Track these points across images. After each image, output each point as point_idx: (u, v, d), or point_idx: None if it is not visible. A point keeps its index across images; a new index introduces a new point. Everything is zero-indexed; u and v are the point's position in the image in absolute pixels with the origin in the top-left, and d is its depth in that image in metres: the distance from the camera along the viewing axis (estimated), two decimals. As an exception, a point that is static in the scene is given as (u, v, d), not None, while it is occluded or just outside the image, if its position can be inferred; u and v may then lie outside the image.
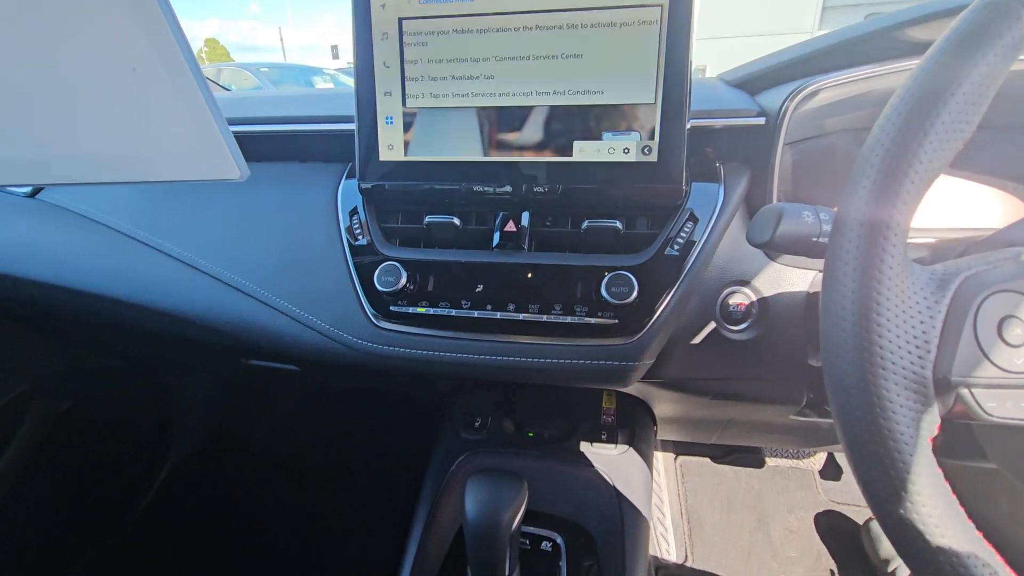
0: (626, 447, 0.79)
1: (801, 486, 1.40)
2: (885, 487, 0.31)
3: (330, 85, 7.86)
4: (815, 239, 0.42)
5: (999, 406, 0.32)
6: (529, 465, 0.77)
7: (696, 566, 1.27)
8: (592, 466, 0.76)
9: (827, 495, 1.38)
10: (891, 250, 0.31)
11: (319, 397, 1.68)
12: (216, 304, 0.67)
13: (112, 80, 0.32)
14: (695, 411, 0.84)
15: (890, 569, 1.14)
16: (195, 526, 1.36)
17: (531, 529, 0.72)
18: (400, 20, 0.58)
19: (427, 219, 0.63)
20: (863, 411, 0.31)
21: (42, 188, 0.80)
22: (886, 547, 1.14)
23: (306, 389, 1.65)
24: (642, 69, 0.55)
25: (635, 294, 0.55)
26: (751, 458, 1.42)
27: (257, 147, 0.74)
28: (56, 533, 1.08)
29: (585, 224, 0.60)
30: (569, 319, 0.58)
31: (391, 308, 0.61)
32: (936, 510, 0.30)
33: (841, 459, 1.43)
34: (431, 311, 0.60)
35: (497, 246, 0.62)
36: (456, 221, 0.63)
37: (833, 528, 1.31)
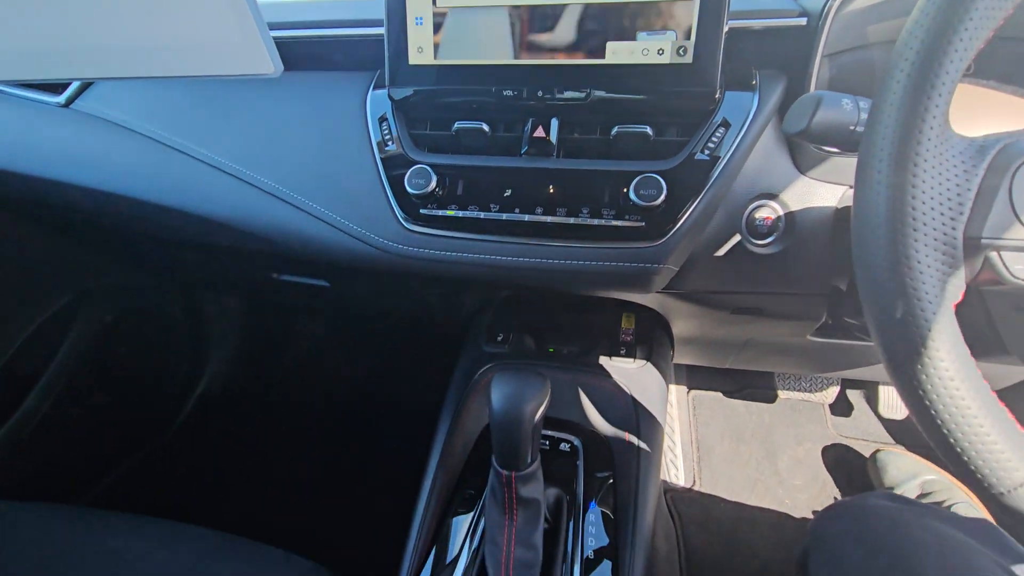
0: (644, 362, 0.81)
1: (811, 420, 1.44)
2: (905, 346, 0.32)
3: None
4: (853, 127, 0.42)
5: None
6: (550, 375, 0.80)
7: (703, 491, 1.33)
8: (610, 377, 0.79)
9: (836, 430, 1.41)
10: (933, 111, 0.31)
11: (345, 328, 1.74)
12: (250, 209, 0.69)
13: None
14: (713, 330, 0.86)
15: (893, 497, 1.18)
16: (227, 441, 1.45)
17: (550, 432, 0.76)
18: (432, -89, 0.57)
19: (456, 125, 0.63)
20: (890, 271, 0.32)
21: (76, 98, 0.81)
22: (891, 476, 1.18)
23: (332, 319, 1.71)
24: (681, -40, 0.53)
25: (663, 197, 0.56)
26: (763, 392, 1.45)
27: (285, 54, 0.73)
28: (98, 441, 1.17)
29: (615, 130, 0.59)
30: (596, 222, 0.58)
31: (421, 211, 0.63)
32: (953, 369, 0.31)
33: (853, 395, 1.45)
34: (460, 214, 0.62)
35: (525, 153, 0.62)
36: (485, 127, 0.63)
37: (840, 460, 1.35)
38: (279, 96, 0.72)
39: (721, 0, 0.54)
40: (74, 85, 0.78)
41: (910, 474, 1.16)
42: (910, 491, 1.13)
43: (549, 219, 0.60)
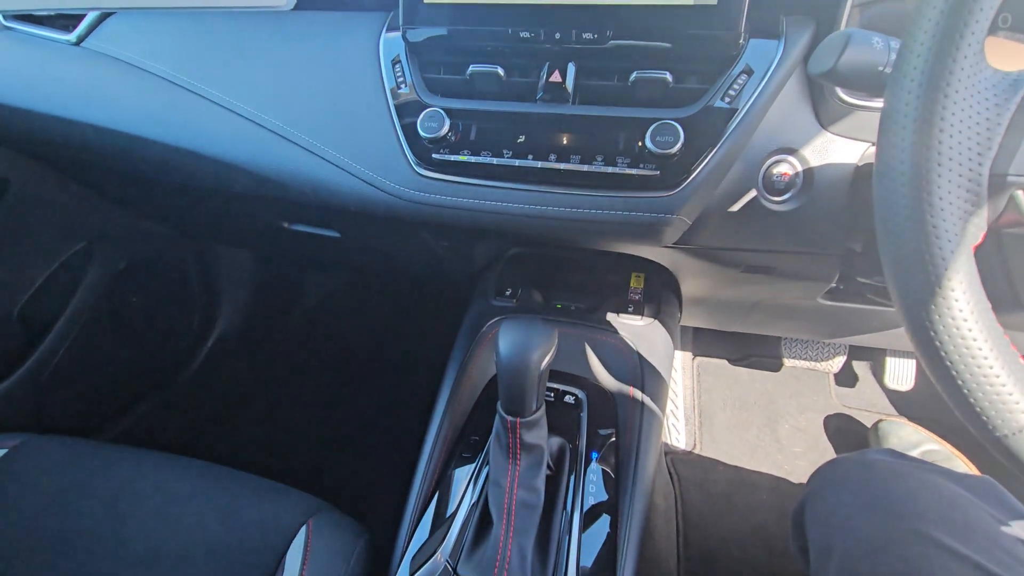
0: (652, 320, 0.81)
1: (814, 390, 1.44)
2: (919, 285, 0.32)
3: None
4: (882, 68, 0.41)
5: None
6: (557, 330, 0.81)
7: (703, 454, 1.35)
8: (617, 334, 0.80)
9: (840, 400, 1.42)
10: (969, 38, 0.30)
11: (355, 282, 1.76)
12: (262, 151, 0.68)
13: None
14: (723, 290, 0.86)
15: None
16: (239, 387, 1.48)
17: (556, 385, 0.76)
18: None
19: (470, 69, 0.62)
20: (910, 207, 0.31)
21: (86, 36, 0.80)
22: (892, 445, 1.19)
23: (343, 272, 1.72)
24: None
25: (680, 144, 0.55)
26: (768, 361, 1.46)
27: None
28: (114, 385, 1.20)
29: (633, 76, 0.58)
30: (610, 169, 0.58)
31: (433, 156, 0.62)
32: (968, 308, 0.31)
33: (859, 366, 1.45)
34: (472, 159, 0.61)
35: (541, 98, 0.61)
36: (500, 71, 0.61)
37: (841, 429, 1.36)
38: (290, 36, 0.71)
39: (750, -62, 0.51)
40: (84, 23, 0.77)
41: (911, 444, 1.16)
42: (910, 460, 1.14)
43: (562, 166, 0.59)
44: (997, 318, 0.33)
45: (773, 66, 0.57)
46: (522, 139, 0.61)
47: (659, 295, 0.86)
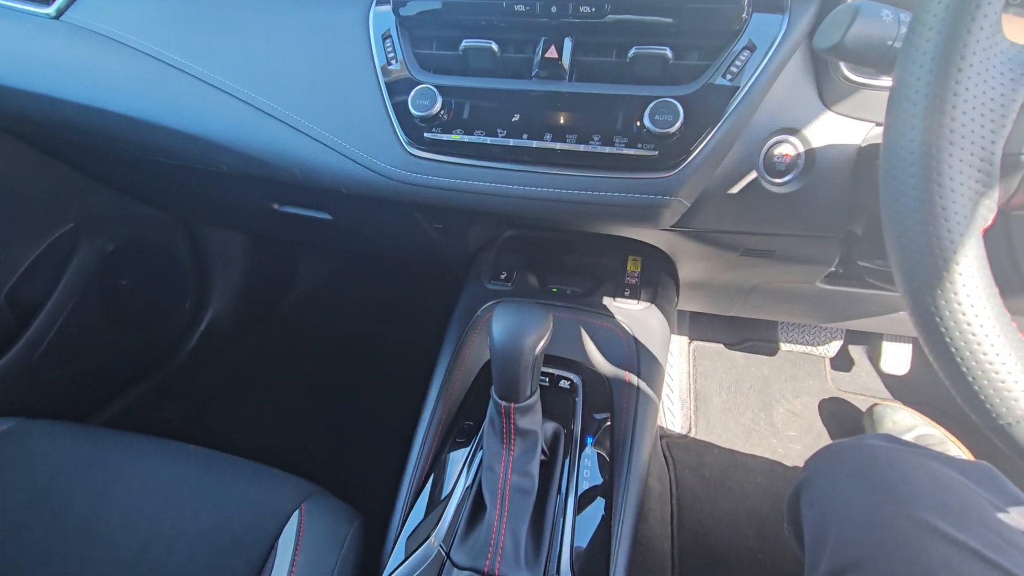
0: (648, 304, 0.80)
1: (810, 374, 1.44)
2: (925, 268, 0.31)
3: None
4: (891, 43, 0.39)
5: None
6: (552, 314, 0.79)
7: (698, 438, 1.36)
8: (613, 318, 0.79)
9: (835, 384, 1.42)
10: (986, 8, 0.28)
11: (349, 265, 1.74)
12: (247, 129, 0.66)
13: None
14: (721, 274, 0.84)
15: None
16: (233, 371, 1.48)
17: (551, 369, 0.76)
18: None
19: (464, 44, 0.60)
20: (919, 188, 0.30)
21: (66, 9, 0.77)
22: (886, 429, 1.19)
23: (336, 255, 1.70)
24: None
25: (679, 123, 0.53)
26: (764, 345, 1.45)
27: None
28: (105, 368, 1.19)
29: (632, 52, 0.56)
30: (607, 149, 0.56)
31: (425, 135, 0.60)
32: (975, 293, 0.30)
33: (855, 350, 1.45)
34: (465, 138, 0.59)
35: (536, 75, 0.59)
36: (494, 47, 0.59)
37: (836, 413, 1.37)
38: (277, 10, 0.68)
39: (755, -95, 0.49)
40: (63, -6, 0.74)
41: (905, 428, 1.17)
42: (904, 444, 1.14)
43: (558, 146, 0.57)
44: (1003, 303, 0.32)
45: (777, 42, 0.55)
46: (517, 118, 0.59)
47: (656, 279, 0.84)
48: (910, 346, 1.32)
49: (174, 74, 0.69)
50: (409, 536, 0.65)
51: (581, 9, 0.55)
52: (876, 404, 1.26)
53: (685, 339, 1.53)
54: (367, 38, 0.64)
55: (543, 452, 0.66)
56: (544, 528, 0.62)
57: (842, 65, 0.57)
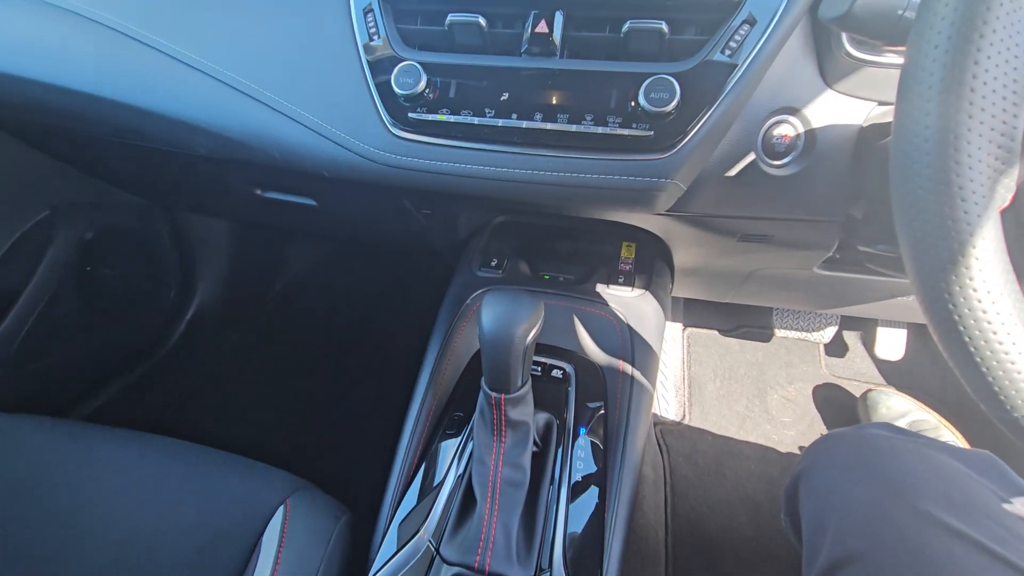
0: (643, 291, 0.78)
1: (804, 360, 1.44)
2: (939, 251, 0.29)
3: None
4: (901, 12, 0.37)
5: None
6: (544, 302, 0.77)
7: (692, 425, 1.35)
8: (607, 305, 0.77)
9: (829, 370, 1.41)
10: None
11: (337, 253, 1.71)
12: (222, 110, 0.63)
13: None
14: (717, 259, 0.82)
15: (880, 434, 1.19)
16: (219, 362, 1.45)
17: (543, 359, 0.74)
18: None
19: (449, 18, 0.56)
20: (934, 165, 0.28)
21: (30, -17, 0.73)
22: (880, 415, 1.19)
23: (324, 243, 1.67)
24: None
25: (676, 102, 0.51)
26: (759, 332, 1.44)
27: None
28: (87, 360, 1.15)
29: (626, 26, 0.53)
30: (600, 130, 0.53)
31: (409, 115, 0.57)
32: (992, 279, 0.28)
33: (849, 336, 1.45)
34: (452, 118, 0.56)
35: (526, 52, 0.56)
36: (481, 21, 0.56)
37: (830, 399, 1.36)
38: (252, -18, 0.65)
39: None
40: (25, -33, 0.70)
41: (899, 413, 1.16)
42: (898, 429, 1.14)
43: (549, 126, 0.55)
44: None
45: (778, 15, 0.52)
46: (505, 96, 0.56)
47: (651, 265, 0.82)
48: (904, 331, 1.32)
49: (143, 51, 0.65)
50: (401, 523, 0.64)
51: (573, -20, 0.52)
52: (870, 390, 1.26)
53: (679, 326, 1.51)
54: (348, 12, 0.61)
55: (535, 443, 0.64)
56: (536, 521, 0.60)
57: (845, 41, 0.55)
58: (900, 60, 0.57)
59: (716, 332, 1.50)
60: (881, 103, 0.59)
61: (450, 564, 0.57)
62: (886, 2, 0.37)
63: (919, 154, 0.29)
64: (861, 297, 0.91)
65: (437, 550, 0.58)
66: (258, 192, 0.89)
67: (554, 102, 0.55)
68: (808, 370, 1.42)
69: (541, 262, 0.86)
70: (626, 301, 0.77)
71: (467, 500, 0.62)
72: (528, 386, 0.58)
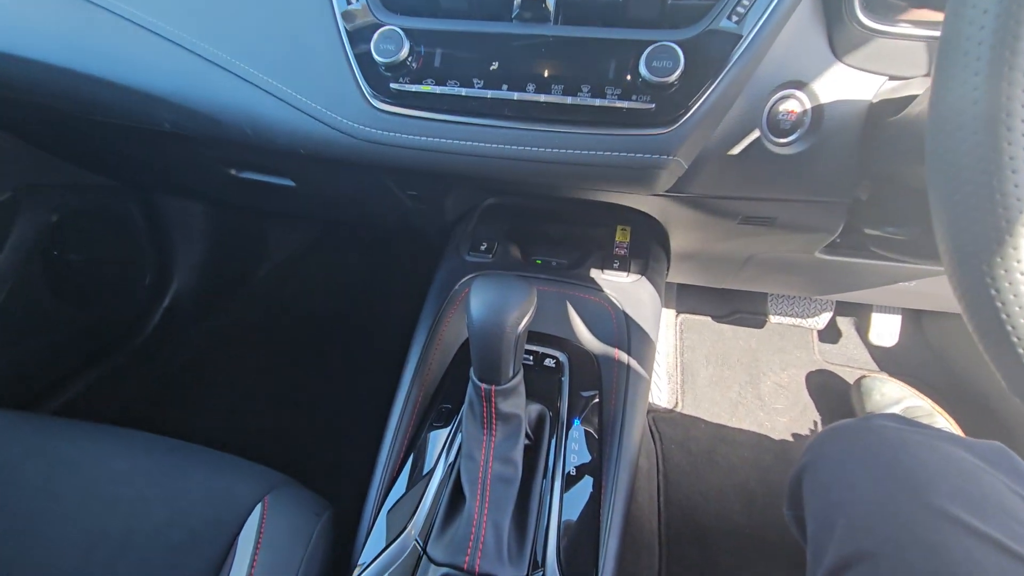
0: (639, 276, 0.75)
1: (798, 346, 1.42)
2: (984, 230, 0.26)
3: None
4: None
5: None
6: (536, 288, 0.74)
7: (685, 412, 1.33)
8: (602, 291, 0.73)
9: (823, 356, 1.40)
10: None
11: (321, 237, 1.66)
12: (189, 80, 0.58)
13: None
14: (716, 244, 0.79)
15: (873, 421, 1.18)
16: (198, 352, 1.40)
17: (535, 347, 0.71)
18: None
19: (434, -21, 0.52)
20: (982, 130, 0.25)
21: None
22: (874, 401, 1.18)
23: (307, 226, 1.61)
24: None
25: (679, 71, 0.47)
26: (753, 318, 1.42)
27: None
28: (56, 351, 1.10)
29: (627, -12, 0.49)
30: (598, 102, 0.49)
31: (391, 86, 0.53)
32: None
33: (843, 322, 1.43)
34: (437, 89, 0.52)
35: (517, 16, 0.52)
36: (469, -17, 0.52)
37: (823, 385, 1.35)
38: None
39: None
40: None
41: (893, 400, 1.15)
42: (891, 416, 1.13)
43: (543, 98, 0.51)
44: None
45: (788, -21, 0.49)
46: (495, 66, 0.52)
47: (647, 249, 0.79)
48: (899, 317, 1.30)
49: (101, 14, 0.60)
50: (390, 511, 0.61)
51: (568, -63, 0.48)
52: (864, 376, 1.24)
53: (672, 312, 1.49)
54: (323, -27, 0.56)
55: (527, 436, 0.61)
56: (528, 518, 0.57)
57: (857, 8, 0.52)
58: (914, 31, 0.54)
59: (709, 318, 1.48)
60: (892, 77, 0.56)
61: (438, 564, 0.54)
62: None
63: (964, 118, 0.26)
64: (861, 282, 0.89)
65: (424, 549, 0.55)
66: (233, 172, 0.85)
67: (548, 72, 0.51)
68: (801, 356, 1.41)
69: (533, 246, 0.82)
70: (621, 287, 0.74)
71: (455, 497, 0.59)
72: (520, 377, 0.54)
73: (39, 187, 1.01)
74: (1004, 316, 0.27)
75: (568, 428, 0.65)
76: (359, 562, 0.58)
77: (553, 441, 0.64)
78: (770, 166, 0.59)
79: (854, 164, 0.58)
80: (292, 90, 0.56)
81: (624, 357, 0.70)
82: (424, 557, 0.55)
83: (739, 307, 1.44)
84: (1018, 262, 0.26)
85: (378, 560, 0.56)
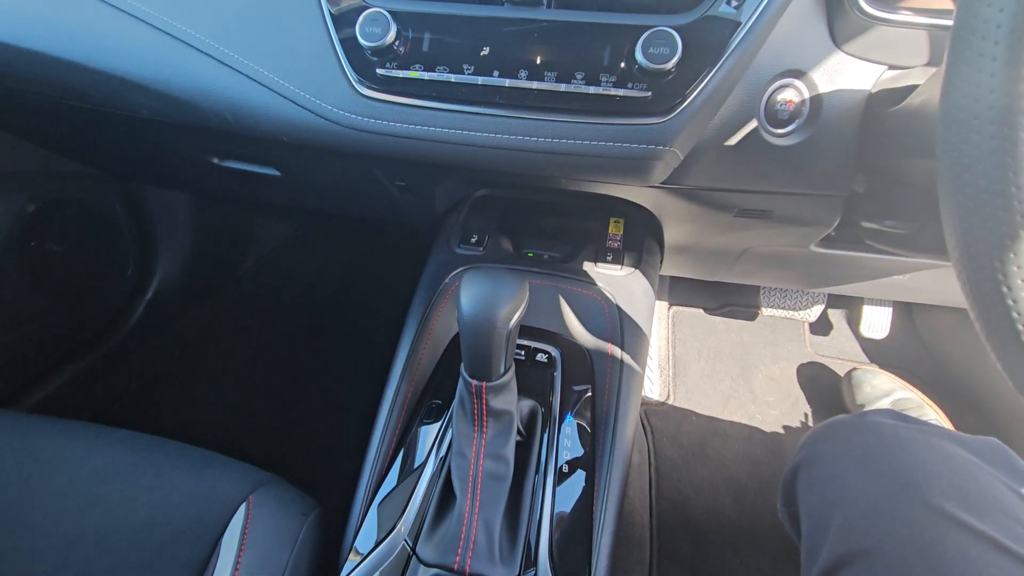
0: (632, 269, 0.74)
1: (789, 339, 1.42)
2: (996, 226, 0.25)
3: None
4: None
5: None
6: (528, 282, 0.73)
7: (677, 405, 1.33)
8: (595, 285, 0.72)
9: (814, 348, 1.40)
10: None
11: (308, 228, 1.63)
12: (166, 64, 0.56)
13: None
14: (710, 237, 0.78)
15: (863, 414, 1.18)
16: (182, 347, 1.37)
17: (526, 342, 0.69)
18: None
19: (422, -41, 0.50)
20: (998, 120, 0.24)
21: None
22: (864, 393, 1.18)
23: (294, 217, 1.58)
24: None
25: (677, 58, 0.45)
26: (745, 310, 1.42)
27: None
28: (30, 344, 1.06)
29: (622, -29, 0.47)
30: (592, 89, 0.48)
31: (377, 71, 0.51)
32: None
33: (834, 314, 1.44)
34: (426, 75, 0.50)
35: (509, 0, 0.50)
36: (458, -36, 0.50)
37: (814, 378, 1.35)
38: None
39: None
40: None
41: (883, 392, 1.16)
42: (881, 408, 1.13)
43: (535, 85, 0.49)
44: None
45: (790, -38, 0.47)
46: (486, 51, 0.50)
47: (640, 242, 0.78)
48: (890, 310, 1.31)
49: (73, -5, 0.57)
50: (381, 503, 0.60)
51: (562, -84, 0.46)
52: (854, 368, 1.25)
53: (664, 304, 1.48)
54: (306, -48, 0.53)
55: (519, 433, 0.60)
56: (520, 516, 0.56)
57: (862, -8, 0.50)
58: (916, 19, 0.52)
59: (701, 311, 1.48)
60: (892, 66, 0.55)
61: (427, 565, 0.53)
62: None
63: (978, 108, 0.25)
64: (855, 275, 0.88)
65: (413, 550, 0.54)
66: (216, 161, 0.82)
67: (541, 58, 0.49)
68: (793, 349, 1.41)
69: (524, 238, 0.80)
70: (615, 280, 0.73)
71: (446, 495, 0.57)
72: (511, 373, 0.53)
73: (14, 175, 0.98)
74: (1015, 315, 0.26)
75: (560, 423, 0.64)
76: (347, 559, 0.56)
77: (545, 437, 0.63)
78: (767, 157, 0.57)
79: (852, 156, 0.57)
80: (274, 75, 0.54)
81: (617, 351, 0.69)
82: (413, 558, 0.54)
83: (731, 299, 1.44)
84: (1032, 262, 0.25)
85: (367, 560, 0.55)
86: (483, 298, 0.47)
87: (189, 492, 0.61)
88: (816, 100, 0.55)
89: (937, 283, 0.88)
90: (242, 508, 0.59)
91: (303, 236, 1.60)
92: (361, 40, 0.49)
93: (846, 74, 0.55)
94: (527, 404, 0.63)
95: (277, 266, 1.58)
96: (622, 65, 0.48)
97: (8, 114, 0.87)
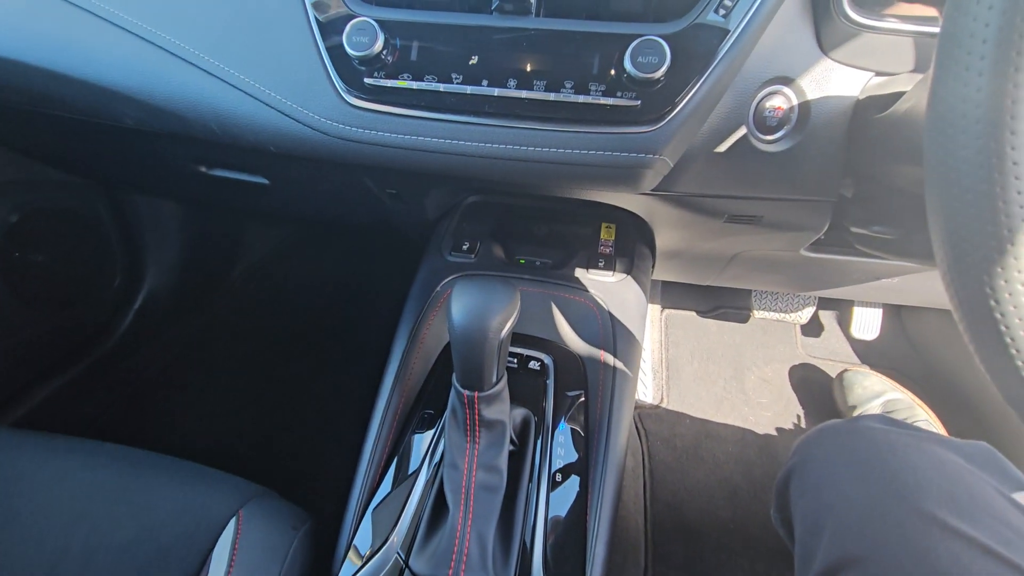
0: (624, 275, 0.74)
1: (781, 341, 1.43)
2: (984, 237, 0.25)
3: None
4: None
5: None
6: (520, 288, 0.72)
7: (670, 408, 1.33)
8: (587, 291, 0.72)
9: (805, 350, 1.41)
10: None
11: (299, 237, 1.62)
12: (150, 73, 0.55)
13: None
14: (701, 242, 0.78)
15: (854, 415, 1.19)
16: (171, 358, 1.35)
17: (519, 349, 0.69)
18: None
19: (409, -32, 0.50)
20: (985, 134, 0.24)
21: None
22: (856, 395, 1.19)
23: (284, 226, 1.57)
24: None
25: (666, 66, 0.45)
26: (737, 313, 1.43)
27: None
28: (14, 356, 1.05)
29: (610, -20, 0.47)
30: (581, 98, 0.48)
31: (365, 80, 0.50)
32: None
33: (825, 316, 1.44)
34: (414, 84, 0.50)
35: (497, 8, 0.49)
36: (446, -27, 0.49)
37: (806, 379, 1.36)
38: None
39: None
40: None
41: (874, 393, 1.16)
42: (872, 409, 1.14)
43: (524, 94, 0.49)
44: None
45: (777, -30, 0.47)
46: (475, 60, 0.49)
47: (632, 248, 0.78)
48: (880, 311, 1.32)
49: (56, 4, 0.56)
50: (375, 509, 0.59)
51: (549, -74, 0.46)
52: (846, 370, 1.25)
53: (657, 307, 1.48)
54: (292, -38, 0.53)
55: (512, 443, 0.60)
56: (514, 527, 0.56)
57: (845, 2, 0.51)
58: (902, 26, 0.53)
59: (694, 313, 1.48)
60: (879, 73, 0.55)
61: (420, 578, 0.52)
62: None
63: (965, 121, 0.25)
64: (846, 279, 0.89)
65: (406, 562, 0.54)
66: (204, 170, 0.81)
67: (530, 67, 0.49)
68: (785, 350, 1.41)
69: (516, 245, 0.80)
70: (607, 286, 0.73)
71: (438, 507, 0.57)
72: (504, 382, 0.53)
73: (-5, 185, 0.96)
74: (1003, 328, 0.26)
75: (554, 430, 0.64)
76: (341, 569, 0.56)
77: (539, 444, 0.62)
78: (756, 164, 0.58)
79: (840, 162, 0.57)
80: (261, 85, 0.53)
81: (610, 358, 0.69)
82: (407, 571, 0.53)
83: (724, 302, 1.44)
84: (1019, 272, 0.25)
85: (359, 574, 0.54)
86: (474, 308, 0.47)
87: (177, 507, 0.60)
88: (804, 106, 0.56)
89: (925, 285, 0.89)
90: (232, 523, 0.58)
91: (293, 243, 1.59)
92: (348, 49, 0.49)
93: (833, 81, 0.55)
94: (520, 413, 0.63)
95: (267, 274, 1.56)
96: (611, 74, 0.48)
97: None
